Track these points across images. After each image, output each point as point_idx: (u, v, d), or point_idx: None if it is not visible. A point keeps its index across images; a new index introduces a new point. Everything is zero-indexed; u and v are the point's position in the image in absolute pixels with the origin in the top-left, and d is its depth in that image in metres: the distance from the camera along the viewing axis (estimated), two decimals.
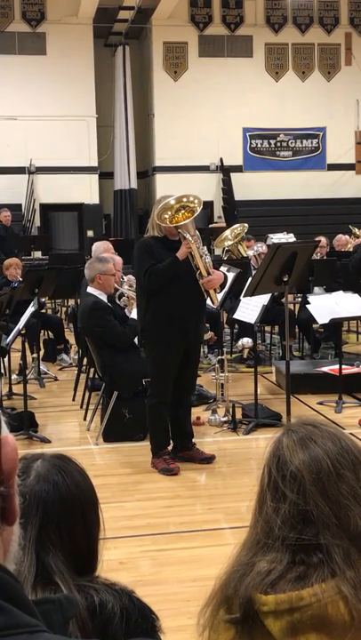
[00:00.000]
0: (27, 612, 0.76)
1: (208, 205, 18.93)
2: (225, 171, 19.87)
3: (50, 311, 12.14)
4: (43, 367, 8.89)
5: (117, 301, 6.78)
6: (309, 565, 1.51)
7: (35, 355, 8.72)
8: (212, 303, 6.00)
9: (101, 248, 7.90)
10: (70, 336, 9.70)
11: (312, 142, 20.58)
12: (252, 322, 6.98)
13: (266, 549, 1.56)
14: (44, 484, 1.65)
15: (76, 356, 8.87)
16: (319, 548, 1.52)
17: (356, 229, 13.14)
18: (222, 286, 5.83)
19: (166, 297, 5.48)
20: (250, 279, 6.53)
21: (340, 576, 1.48)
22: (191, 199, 5.52)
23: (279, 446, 1.62)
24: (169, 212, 5.46)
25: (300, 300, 9.70)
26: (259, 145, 20.37)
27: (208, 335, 8.53)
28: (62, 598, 0.86)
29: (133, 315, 6.37)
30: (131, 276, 7.21)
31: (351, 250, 11.06)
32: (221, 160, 19.91)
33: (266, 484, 1.60)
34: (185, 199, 5.51)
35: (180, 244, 5.45)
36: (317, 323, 8.15)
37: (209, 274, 5.48)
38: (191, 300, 5.53)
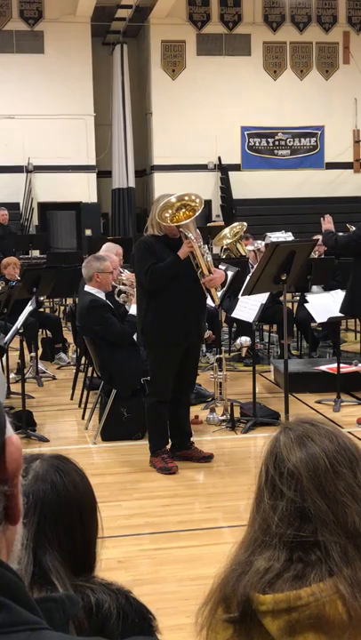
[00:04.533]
0: (29, 610, 0.77)
1: (206, 204, 18.90)
2: (223, 169, 19.87)
3: (48, 310, 12.14)
4: (41, 366, 8.89)
5: (117, 298, 6.77)
6: (307, 563, 1.51)
7: (33, 354, 8.72)
8: (213, 302, 5.99)
9: (113, 251, 7.69)
10: (68, 335, 9.70)
11: (310, 141, 20.58)
12: (251, 320, 6.98)
13: (263, 547, 1.56)
14: (41, 484, 1.65)
15: (74, 355, 8.87)
16: (317, 545, 1.52)
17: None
18: (223, 285, 5.83)
19: (167, 296, 5.46)
20: (248, 277, 6.53)
21: (337, 574, 1.48)
22: (193, 198, 5.47)
23: (276, 444, 1.62)
24: (170, 211, 5.43)
25: (298, 298, 9.70)
26: (257, 143, 20.36)
27: (206, 334, 8.53)
28: (64, 597, 0.86)
29: (132, 310, 6.36)
30: (128, 273, 7.19)
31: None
32: (219, 159, 19.90)
33: (263, 482, 1.61)
34: (186, 197, 5.47)
35: (181, 243, 5.43)
36: (316, 321, 8.16)
37: (210, 272, 5.48)
38: (192, 299, 5.51)
